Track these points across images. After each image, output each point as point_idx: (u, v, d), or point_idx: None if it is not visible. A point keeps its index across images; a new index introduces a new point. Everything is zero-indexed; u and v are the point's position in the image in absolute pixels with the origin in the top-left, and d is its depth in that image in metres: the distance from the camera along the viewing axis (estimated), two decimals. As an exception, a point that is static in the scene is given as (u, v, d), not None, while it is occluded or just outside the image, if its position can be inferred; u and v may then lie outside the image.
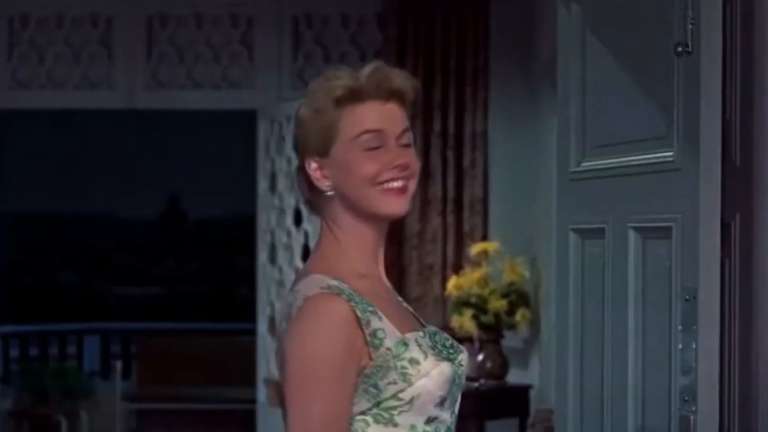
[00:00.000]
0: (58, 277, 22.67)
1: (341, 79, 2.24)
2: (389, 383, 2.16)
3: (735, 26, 3.15)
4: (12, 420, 8.84)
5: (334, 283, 2.18)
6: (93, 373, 10.38)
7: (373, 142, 2.23)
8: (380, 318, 2.18)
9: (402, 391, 2.17)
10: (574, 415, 3.60)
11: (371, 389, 2.16)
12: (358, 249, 2.27)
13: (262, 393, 7.60)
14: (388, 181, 2.23)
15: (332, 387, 2.12)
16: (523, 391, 6.48)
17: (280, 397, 6.32)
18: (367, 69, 2.25)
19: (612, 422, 3.40)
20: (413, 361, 2.18)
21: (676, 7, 3.12)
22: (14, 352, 10.47)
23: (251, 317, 7.89)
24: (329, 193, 2.24)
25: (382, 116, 2.24)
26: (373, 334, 2.16)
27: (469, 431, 6.26)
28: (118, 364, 9.85)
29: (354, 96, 2.23)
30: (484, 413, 6.36)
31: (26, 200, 17.56)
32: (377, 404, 2.17)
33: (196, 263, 23.18)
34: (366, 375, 2.16)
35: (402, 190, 2.24)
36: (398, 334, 2.19)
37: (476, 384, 6.25)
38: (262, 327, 7.77)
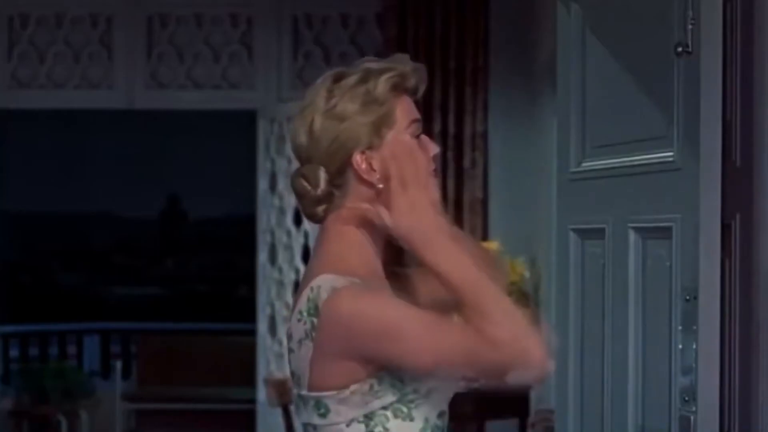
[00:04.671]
0: (58, 277, 22.66)
1: (392, 67, 2.22)
2: (411, 376, 2.15)
3: (735, 26, 3.15)
4: (12, 420, 8.84)
5: (356, 280, 2.17)
6: (93, 373, 10.38)
7: (417, 131, 2.24)
8: None
9: (421, 383, 2.16)
10: (574, 415, 3.60)
11: (397, 383, 2.15)
12: (375, 244, 2.27)
13: (262, 393, 7.59)
14: (434, 169, 2.25)
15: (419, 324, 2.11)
16: (523, 391, 6.48)
17: (279, 396, 6.29)
18: (408, 63, 2.24)
19: (612, 422, 3.40)
20: None
21: (676, 7, 3.12)
22: (14, 352, 10.48)
23: (251, 317, 7.89)
24: (380, 186, 2.20)
25: (414, 108, 2.26)
26: None
27: (469, 431, 6.26)
28: (118, 364, 9.86)
29: (404, 85, 2.23)
30: (484, 413, 6.34)
31: (26, 200, 17.55)
32: (399, 399, 2.16)
33: (196, 263, 23.17)
34: (395, 367, 2.13)
35: (434, 176, 2.27)
36: None
37: (476, 384, 6.24)
38: (262, 327, 7.76)
